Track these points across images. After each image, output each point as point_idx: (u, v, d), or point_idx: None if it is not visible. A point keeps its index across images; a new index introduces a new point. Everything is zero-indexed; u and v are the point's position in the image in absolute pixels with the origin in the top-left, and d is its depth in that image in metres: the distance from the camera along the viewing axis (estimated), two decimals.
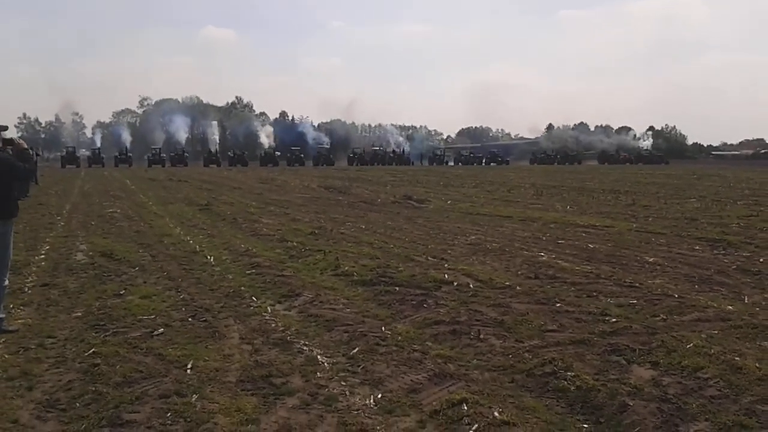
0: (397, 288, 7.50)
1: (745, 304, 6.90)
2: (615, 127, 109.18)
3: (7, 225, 6.13)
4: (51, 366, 4.97)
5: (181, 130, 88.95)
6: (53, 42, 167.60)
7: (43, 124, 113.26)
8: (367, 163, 75.08)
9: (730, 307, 6.64)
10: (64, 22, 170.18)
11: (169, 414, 4.01)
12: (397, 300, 7.01)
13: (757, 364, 4.80)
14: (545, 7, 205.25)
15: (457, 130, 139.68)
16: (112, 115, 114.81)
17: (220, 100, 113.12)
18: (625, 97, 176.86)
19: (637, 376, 4.67)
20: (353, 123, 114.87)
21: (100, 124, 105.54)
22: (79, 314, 6.48)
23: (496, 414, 3.95)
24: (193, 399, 4.23)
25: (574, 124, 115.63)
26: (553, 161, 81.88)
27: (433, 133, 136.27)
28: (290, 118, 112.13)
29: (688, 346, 5.23)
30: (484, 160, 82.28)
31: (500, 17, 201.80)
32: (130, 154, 72.89)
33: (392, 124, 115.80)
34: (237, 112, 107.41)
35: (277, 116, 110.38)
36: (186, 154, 75.71)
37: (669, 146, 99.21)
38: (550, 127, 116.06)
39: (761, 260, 9.48)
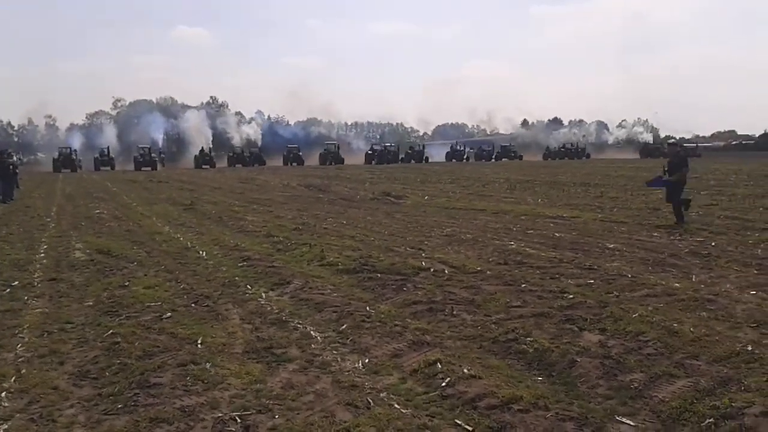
0: (379, 275, 8.22)
1: (692, 282, 7.68)
2: (588, 122, 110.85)
3: None
4: (75, 345, 5.61)
5: (158, 131, 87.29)
6: (22, 42, 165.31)
7: (16, 128, 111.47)
8: (386, 161, 71.79)
9: (677, 285, 7.43)
10: (33, 23, 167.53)
11: (188, 378, 4.70)
12: (379, 285, 7.73)
13: (692, 329, 5.60)
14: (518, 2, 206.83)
15: (427, 127, 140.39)
16: (86, 117, 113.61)
17: (194, 101, 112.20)
18: (595, 93, 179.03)
19: (586, 340, 5.44)
20: (330, 121, 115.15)
21: (74, 127, 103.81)
22: (91, 303, 7.11)
23: (465, 371, 4.70)
24: (207, 366, 4.93)
25: (548, 120, 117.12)
26: (573, 156, 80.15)
27: (410, 130, 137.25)
28: (266, 116, 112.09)
29: (633, 316, 6.01)
30: (494, 156, 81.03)
31: (475, 14, 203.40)
32: (112, 156, 68.24)
33: (369, 122, 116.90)
34: (211, 111, 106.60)
35: (253, 115, 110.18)
36: (163, 155, 73.73)
37: None
38: (524, 123, 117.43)
39: (713, 244, 10.34)
